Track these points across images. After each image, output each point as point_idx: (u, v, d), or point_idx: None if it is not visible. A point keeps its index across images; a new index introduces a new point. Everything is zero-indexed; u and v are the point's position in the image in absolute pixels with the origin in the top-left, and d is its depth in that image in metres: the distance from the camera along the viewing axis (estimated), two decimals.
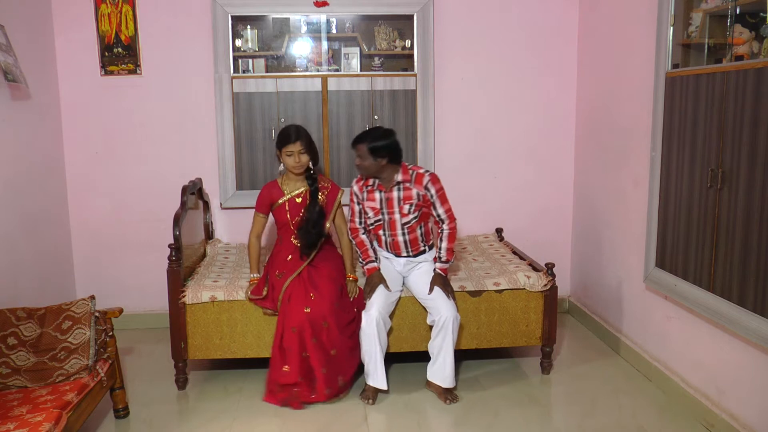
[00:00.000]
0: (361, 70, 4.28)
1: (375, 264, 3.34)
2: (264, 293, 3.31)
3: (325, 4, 4.16)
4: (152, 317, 4.37)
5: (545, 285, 3.44)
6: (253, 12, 4.19)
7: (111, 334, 3.01)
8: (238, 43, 4.20)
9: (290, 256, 3.38)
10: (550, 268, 3.48)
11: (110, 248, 4.35)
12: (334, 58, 4.32)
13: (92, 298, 2.97)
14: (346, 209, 3.55)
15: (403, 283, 3.43)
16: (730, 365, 2.81)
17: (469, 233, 4.47)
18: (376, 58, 4.32)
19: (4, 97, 3.42)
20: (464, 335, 3.44)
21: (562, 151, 4.51)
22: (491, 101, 4.43)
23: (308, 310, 3.18)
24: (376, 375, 3.23)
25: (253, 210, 3.45)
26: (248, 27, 4.21)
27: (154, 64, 4.20)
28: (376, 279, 3.29)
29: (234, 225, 4.33)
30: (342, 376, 3.26)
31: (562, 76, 4.44)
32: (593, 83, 4.19)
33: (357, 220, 3.36)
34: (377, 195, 3.26)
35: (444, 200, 3.25)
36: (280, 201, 3.37)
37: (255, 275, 3.39)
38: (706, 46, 2.95)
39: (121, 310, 3.06)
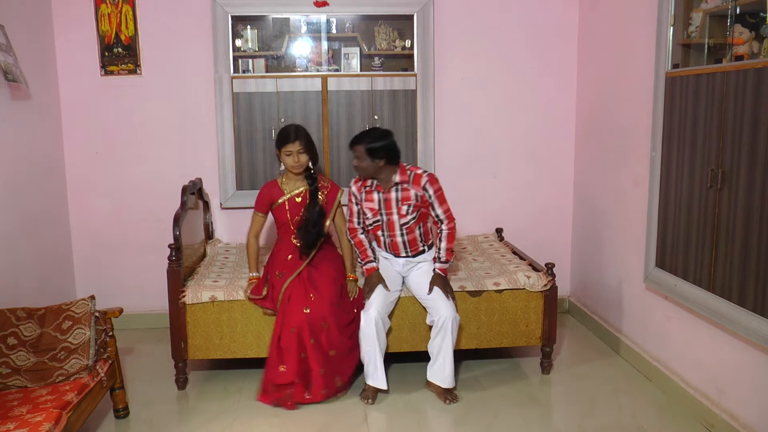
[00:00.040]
0: (361, 70, 4.28)
1: (374, 264, 3.34)
2: (264, 293, 3.31)
3: (325, 4, 4.16)
4: (152, 317, 4.37)
5: (545, 285, 3.44)
6: (253, 12, 4.19)
7: (111, 334, 3.01)
8: (238, 43, 4.20)
9: (290, 256, 3.38)
10: (550, 268, 3.48)
11: (110, 248, 4.35)
12: (334, 58, 4.32)
13: (92, 298, 2.97)
14: (345, 209, 3.55)
15: (403, 283, 3.43)
16: (730, 365, 2.81)
17: (469, 233, 4.47)
18: (376, 58, 4.32)
19: (4, 97, 3.42)
20: (464, 335, 3.44)
21: (562, 151, 4.51)
22: (491, 101, 4.43)
23: (308, 310, 3.18)
24: (375, 375, 3.23)
25: (253, 210, 3.45)
26: (248, 27, 4.21)
27: (154, 64, 4.20)
28: (374, 279, 3.29)
29: (234, 225, 4.33)
30: (340, 376, 3.26)
31: (562, 76, 4.44)
32: (593, 83, 4.19)
33: (355, 220, 3.36)
34: (375, 196, 3.25)
35: (442, 200, 3.25)
36: (279, 201, 3.37)
37: (254, 274, 3.39)
38: (706, 46, 2.95)
39: (121, 310, 3.06)
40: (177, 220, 3.39)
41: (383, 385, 3.24)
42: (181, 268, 3.35)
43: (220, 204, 4.33)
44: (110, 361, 2.99)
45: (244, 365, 3.58)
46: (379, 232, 3.34)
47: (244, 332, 3.36)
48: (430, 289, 3.25)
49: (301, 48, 4.28)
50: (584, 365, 3.70)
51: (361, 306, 3.30)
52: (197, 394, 3.41)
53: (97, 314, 2.94)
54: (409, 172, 3.22)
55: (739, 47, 2.69)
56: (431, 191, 3.21)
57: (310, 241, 3.35)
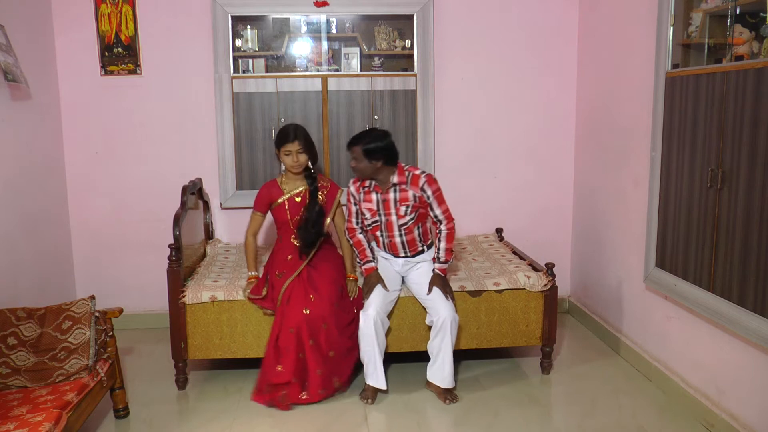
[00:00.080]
0: (361, 70, 4.28)
1: (372, 264, 3.34)
2: (263, 293, 3.31)
3: (325, 4, 4.16)
4: (152, 317, 4.37)
5: (545, 285, 3.44)
6: (253, 12, 4.19)
7: (111, 334, 3.01)
8: (238, 43, 4.20)
9: (290, 256, 3.38)
10: (550, 268, 3.48)
11: (110, 248, 4.35)
12: (334, 58, 4.32)
13: (92, 298, 2.97)
14: (345, 209, 3.55)
15: (402, 283, 3.42)
16: (730, 365, 2.81)
17: (469, 233, 4.47)
18: (376, 58, 4.32)
19: (4, 97, 3.42)
20: (464, 335, 3.44)
21: (562, 151, 4.51)
22: (491, 101, 4.43)
23: (307, 311, 3.18)
24: (375, 375, 3.22)
25: (252, 209, 3.45)
26: (248, 27, 4.21)
27: (154, 64, 4.20)
28: (373, 279, 3.29)
29: (234, 225, 4.33)
30: (338, 377, 3.26)
31: (562, 76, 4.44)
32: (593, 83, 4.19)
33: (354, 220, 3.35)
34: (374, 196, 3.25)
35: (441, 201, 3.24)
36: (279, 200, 3.37)
37: (253, 274, 3.39)
38: (706, 46, 2.95)
39: (121, 310, 3.06)
40: (177, 220, 3.39)
41: (382, 385, 3.24)
42: (181, 268, 3.35)
43: (220, 204, 4.33)
44: (110, 361, 2.99)
45: (244, 365, 3.58)
46: (378, 233, 3.33)
47: (244, 332, 3.36)
48: (430, 290, 3.24)
49: (301, 48, 4.28)
50: (584, 365, 3.70)
51: (361, 306, 3.29)
52: (197, 394, 3.41)
53: (97, 314, 2.94)
54: (407, 172, 3.21)
55: (739, 47, 2.69)
56: (429, 192, 3.20)
57: (309, 240, 3.35)
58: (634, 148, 3.60)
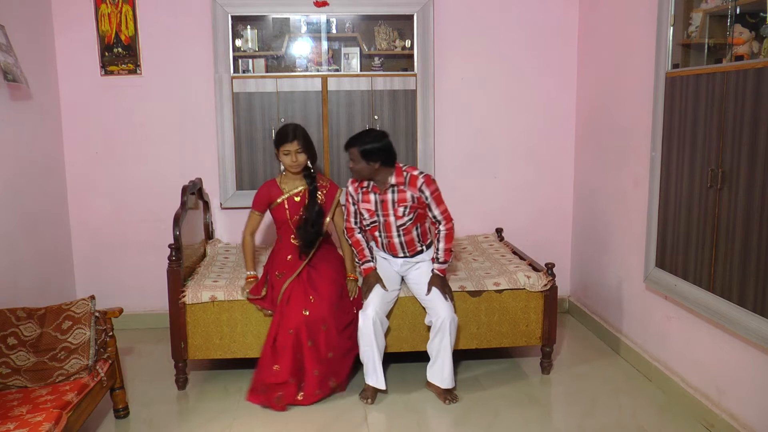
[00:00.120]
0: (361, 70, 4.28)
1: (371, 264, 3.34)
2: (263, 293, 3.31)
3: (325, 4, 4.16)
4: (152, 317, 4.37)
5: (545, 285, 3.44)
6: (253, 12, 4.19)
7: (111, 334, 3.01)
8: (238, 43, 4.20)
9: (290, 256, 3.38)
10: (550, 268, 3.48)
11: (110, 248, 4.35)
12: (334, 58, 4.32)
13: (92, 298, 2.97)
14: (344, 208, 3.55)
15: (402, 282, 3.42)
16: (730, 365, 2.81)
17: (469, 233, 4.47)
18: (376, 58, 4.32)
19: (4, 97, 3.42)
20: (464, 335, 3.44)
21: (562, 151, 4.51)
22: (491, 101, 4.43)
23: (307, 312, 3.17)
24: (374, 375, 3.22)
25: (250, 208, 3.45)
26: (248, 27, 4.21)
27: (154, 64, 4.20)
28: (372, 279, 3.29)
29: (234, 225, 4.33)
30: (335, 378, 3.25)
31: (562, 76, 4.44)
32: (593, 83, 4.19)
33: (352, 220, 3.35)
34: (372, 197, 3.24)
35: (439, 201, 3.22)
36: (278, 200, 3.37)
37: (251, 273, 3.39)
38: (706, 46, 2.95)
39: (121, 310, 3.06)
40: (177, 220, 3.39)
41: (382, 386, 3.24)
42: (181, 268, 3.35)
43: (220, 204, 4.33)
44: (110, 361, 2.99)
45: (244, 365, 3.57)
46: (377, 233, 3.33)
47: (244, 332, 3.36)
48: (429, 290, 3.24)
49: (301, 48, 4.28)
50: (584, 365, 3.70)
51: (360, 306, 3.29)
52: (197, 394, 3.41)
53: (97, 314, 2.94)
54: (405, 173, 3.19)
55: (739, 47, 2.69)
56: (428, 193, 3.18)
57: (309, 240, 3.35)
58: (634, 148, 3.60)
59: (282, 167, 3.39)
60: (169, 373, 3.50)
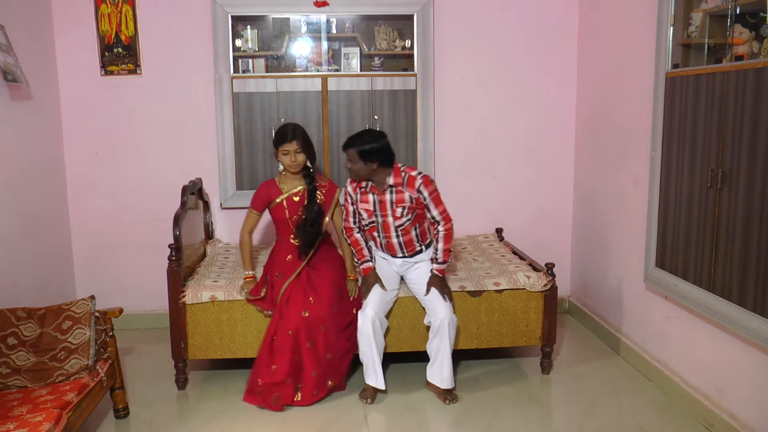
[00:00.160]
0: (361, 70, 4.28)
1: (370, 264, 3.33)
2: (262, 294, 3.31)
3: (325, 4, 4.16)
4: (152, 317, 4.37)
5: (545, 285, 3.44)
6: (253, 12, 4.19)
7: (111, 334, 3.01)
8: (238, 43, 4.20)
9: (289, 256, 3.37)
10: (550, 268, 3.48)
11: (110, 248, 4.35)
12: (334, 58, 4.32)
13: (92, 298, 2.97)
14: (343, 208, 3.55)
15: (401, 282, 3.42)
16: (730, 365, 2.81)
17: (469, 233, 4.47)
18: (376, 58, 4.32)
19: (4, 97, 3.42)
20: (464, 335, 3.44)
21: (562, 151, 4.51)
22: (491, 101, 4.43)
23: (306, 314, 3.17)
24: (374, 375, 3.22)
25: (249, 207, 3.44)
26: (248, 27, 4.21)
27: (154, 64, 4.20)
28: (371, 279, 3.28)
29: (234, 225, 4.32)
30: (332, 378, 3.25)
31: (562, 76, 4.44)
32: (593, 83, 4.19)
33: (351, 219, 3.34)
34: (370, 197, 3.23)
35: (438, 202, 3.20)
36: (277, 200, 3.36)
37: (249, 273, 3.38)
38: (706, 46, 2.95)
39: (121, 310, 3.06)
40: (177, 220, 3.39)
41: (381, 386, 3.24)
42: (181, 268, 3.35)
43: (220, 204, 4.33)
44: (110, 361, 2.99)
45: (244, 365, 3.57)
46: (375, 233, 3.32)
47: (244, 332, 3.36)
48: (428, 290, 3.24)
49: (301, 48, 4.28)
50: (584, 365, 3.70)
51: (360, 307, 3.29)
52: (197, 394, 3.41)
53: (97, 314, 2.94)
54: (403, 174, 3.18)
55: (739, 47, 2.69)
56: (426, 193, 3.16)
57: (308, 240, 3.34)
58: (634, 148, 3.60)
59: (281, 167, 3.39)
60: (169, 373, 3.50)
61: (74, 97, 4.20)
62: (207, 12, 4.14)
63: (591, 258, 4.27)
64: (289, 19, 4.26)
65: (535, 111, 4.46)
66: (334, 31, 4.27)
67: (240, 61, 4.22)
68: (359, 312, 3.23)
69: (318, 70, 4.26)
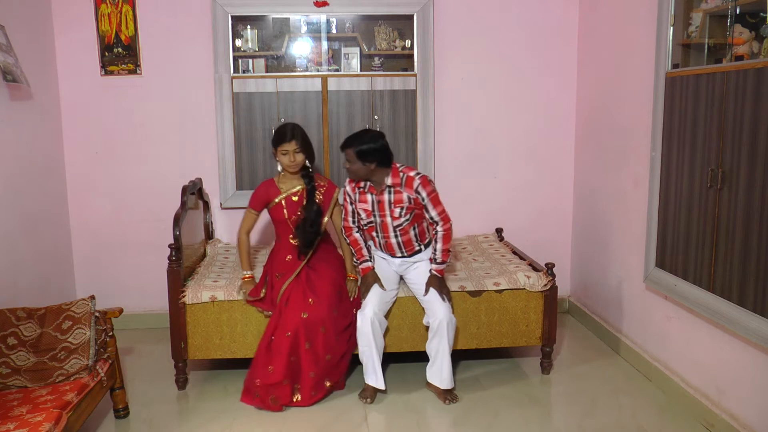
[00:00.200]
0: (361, 70, 4.28)
1: (369, 263, 3.33)
2: (262, 294, 3.31)
3: (325, 4, 4.16)
4: (152, 317, 4.37)
5: (545, 285, 3.44)
6: (253, 12, 4.19)
7: (111, 334, 3.01)
8: (238, 43, 4.20)
9: (289, 256, 3.37)
10: (550, 268, 3.48)
11: (110, 248, 4.35)
12: (334, 58, 4.32)
13: (92, 298, 2.97)
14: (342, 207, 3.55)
15: (401, 281, 3.42)
16: (730, 365, 2.81)
17: (469, 233, 4.47)
18: (376, 58, 4.32)
19: (4, 97, 3.42)
20: (464, 335, 3.44)
21: (562, 151, 4.51)
22: (491, 101, 4.43)
23: (306, 315, 3.17)
24: (374, 375, 3.22)
25: (247, 206, 3.44)
26: (248, 27, 4.21)
27: (154, 64, 4.20)
28: (370, 279, 3.28)
29: (234, 225, 4.31)
30: (330, 379, 3.25)
31: (562, 76, 4.44)
32: (593, 83, 4.19)
33: (350, 219, 3.34)
34: (369, 197, 3.22)
35: (436, 203, 3.19)
36: (276, 199, 3.36)
37: (247, 273, 3.38)
38: (706, 46, 2.95)
39: (121, 310, 3.06)
40: (177, 220, 3.39)
41: (381, 386, 3.24)
42: (181, 268, 3.35)
43: (220, 204, 4.33)
44: (110, 361, 2.99)
45: (244, 365, 3.56)
46: (374, 233, 3.32)
47: (244, 332, 3.36)
48: (426, 291, 3.24)
49: (301, 48, 4.28)
50: (584, 365, 3.70)
51: (360, 307, 3.29)
52: (197, 394, 3.41)
53: (97, 314, 2.94)
54: (401, 174, 3.17)
55: (739, 47, 2.69)
56: (424, 194, 3.15)
57: (307, 240, 3.34)
58: (634, 148, 3.60)
59: (279, 167, 3.38)
60: (169, 373, 3.50)
61: (74, 97, 4.20)
62: (207, 12, 4.14)
63: (591, 258, 4.27)
64: (289, 19, 4.26)
65: (535, 111, 4.46)
66: (334, 31, 4.27)
67: (240, 61, 4.22)
68: (358, 312, 3.23)
69: (318, 70, 4.26)
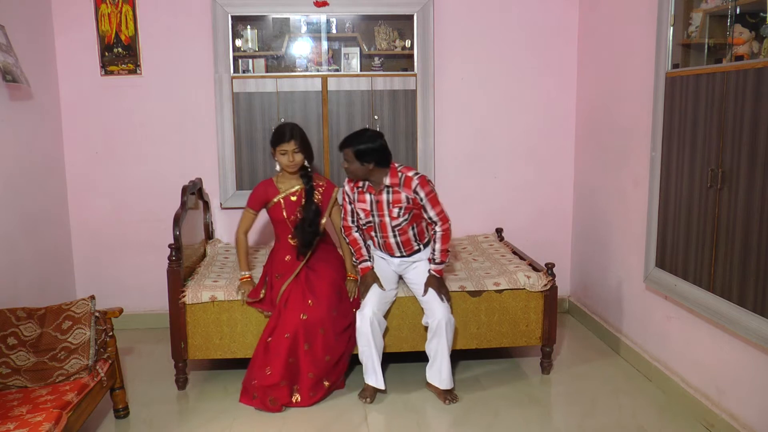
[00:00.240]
0: (361, 70, 4.28)
1: (368, 263, 3.33)
2: (261, 296, 3.31)
3: (325, 4, 4.16)
4: (152, 317, 4.37)
5: (545, 285, 3.44)
6: (253, 12, 4.19)
7: (111, 334, 3.01)
8: (238, 43, 4.20)
9: (288, 257, 3.37)
10: (550, 268, 3.48)
11: (110, 248, 4.35)
12: (334, 58, 4.32)
13: (92, 298, 2.97)
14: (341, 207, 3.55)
15: (400, 281, 3.42)
16: (730, 365, 2.81)
17: (469, 233, 4.47)
18: (376, 58, 4.32)
19: (4, 97, 3.42)
20: (464, 335, 3.44)
21: (562, 151, 4.51)
22: (491, 101, 4.43)
23: (305, 317, 3.17)
24: (373, 375, 3.22)
25: (245, 206, 3.44)
26: (248, 27, 4.21)
27: (154, 64, 4.20)
28: (369, 279, 3.28)
29: (234, 225, 4.27)
30: (329, 379, 3.25)
31: (562, 76, 4.44)
32: (593, 83, 4.19)
33: (349, 218, 3.33)
34: (367, 197, 3.21)
35: (435, 203, 3.18)
36: (275, 199, 3.35)
37: (245, 274, 3.38)
38: (706, 46, 2.95)
39: (121, 310, 3.06)
40: (177, 220, 3.39)
41: (381, 385, 3.24)
42: (181, 268, 3.35)
43: (220, 204, 4.33)
44: (110, 361, 2.99)
45: (244, 365, 3.55)
46: (373, 233, 3.32)
47: (244, 332, 3.36)
48: (425, 291, 3.23)
49: (301, 48, 4.28)
50: (584, 365, 3.70)
51: (359, 307, 3.28)
52: (197, 394, 3.41)
53: (97, 314, 2.94)
54: (400, 174, 3.16)
55: (739, 47, 2.69)
56: (422, 194, 3.14)
57: (306, 240, 3.34)
58: (634, 148, 3.60)
59: (278, 167, 3.38)
60: (169, 373, 3.50)
61: (74, 97, 4.20)
62: (207, 12, 4.14)
63: (591, 258, 4.27)
64: (289, 19, 4.26)
65: (535, 111, 4.46)
66: (334, 31, 4.27)
67: (240, 61, 4.22)
68: (358, 312, 3.23)
69: (318, 70, 4.26)
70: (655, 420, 3.05)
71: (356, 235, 3.34)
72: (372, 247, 3.41)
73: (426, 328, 3.31)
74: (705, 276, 2.87)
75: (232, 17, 4.15)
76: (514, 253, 3.96)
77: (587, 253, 4.34)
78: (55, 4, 4.11)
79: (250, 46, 4.21)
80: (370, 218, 3.25)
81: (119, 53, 4.17)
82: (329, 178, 4.24)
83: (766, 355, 2.56)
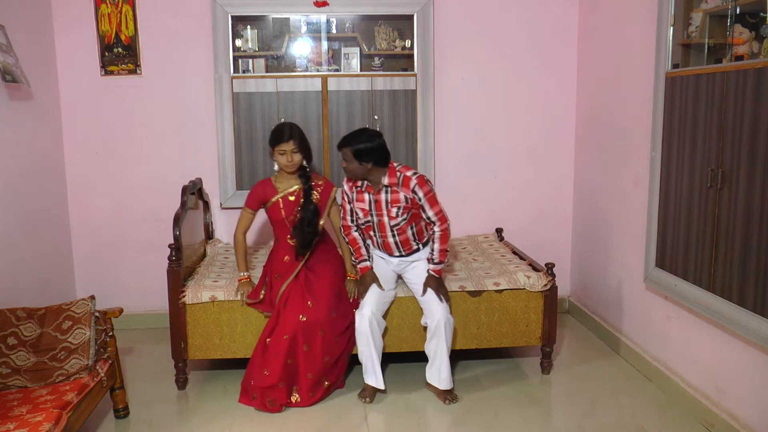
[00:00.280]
0: (361, 70, 4.28)
1: (367, 263, 3.33)
2: (261, 297, 3.30)
3: (325, 4, 4.16)
4: (152, 317, 4.37)
5: (545, 285, 3.44)
6: (253, 12, 4.19)
7: (111, 334, 3.01)
8: (238, 43, 4.20)
9: (287, 257, 3.37)
10: (550, 268, 3.48)
11: (110, 248, 4.35)
12: (334, 58, 4.32)
13: (92, 298, 2.97)
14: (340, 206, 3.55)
15: (399, 280, 3.42)
16: (730, 365, 2.81)
17: (469, 233, 4.47)
18: (376, 58, 4.32)
19: (4, 97, 3.42)
20: (464, 335, 3.44)
21: (562, 151, 4.51)
22: (491, 101, 4.43)
23: (304, 318, 3.16)
24: (373, 374, 3.22)
25: (243, 206, 3.43)
26: (248, 27, 4.21)
27: (154, 64, 4.20)
28: (368, 278, 3.28)
29: (234, 225, 4.30)
30: (328, 379, 3.25)
31: (562, 76, 4.44)
32: (593, 83, 4.19)
33: (349, 218, 3.33)
34: (366, 196, 3.21)
35: (433, 203, 3.17)
36: (273, 199, 3.34)
37: (244, 274, 3.38)
38: (706, 46, 2.95)
39: (121, 310, 3.06)
40: (177, 220, 3.39)
41: (381, 385, 3.24)
42: (181, 268, 3.35)
43: (220, 204, 4.33)
44: (110, 361, 2.99)
45: (244, 365, 3.55)
46: (371, 233, 3.32)
47: (244, 332, 3.36)
48: (424, 291, 3.23)
49: (301, 48, 4.28)
50: (584, 365, 3.70)
51: (358, 307, 3.28)
52: (197, 394, 3.41)
53: (97, 314, 2.94)
54: (398, 174, 3.15)
55: (739, 47, 2.69)
56: (421, 194, 3.13)
57: (305, 240, 3.33)
58: (634, 148, 3.60)
59: (276, 167, 3.38)
60: (169, 373, 3.51)
61: (74, 97, 4.20)
62: (207, 12, 4.14)
63: (591, 258, 4.27)
64: (289, 19, 4.26)
65: (535, 111, 4.46)
66: (334, 31, 4.27)
67: (240, 61, 4.22)
68: (357, 312, 3.22)
69: (318, 70, 4.26)
70: (655, 420, 3.05)
71: (356, 234, 3.34)
72: (371, 246, 3.41)
73: (425, 328, 3.31)
74: (705, 276, 2.87)
75: (232, 17, 4.15)
76: (514, 253, 3.96)
77: (587, 253, 4.34)
78: (55, 4, 4.11)
79: (250, 46, 4.21)
80: (369, 218, 3.24)
81: (119, 53, 4.17)
82: (329, 178, 4.24)
83: (766, 355, 2.56)
